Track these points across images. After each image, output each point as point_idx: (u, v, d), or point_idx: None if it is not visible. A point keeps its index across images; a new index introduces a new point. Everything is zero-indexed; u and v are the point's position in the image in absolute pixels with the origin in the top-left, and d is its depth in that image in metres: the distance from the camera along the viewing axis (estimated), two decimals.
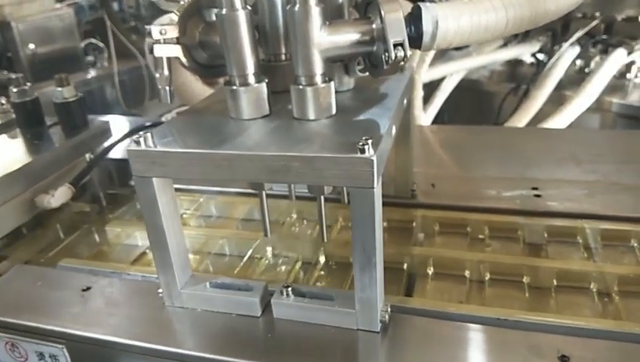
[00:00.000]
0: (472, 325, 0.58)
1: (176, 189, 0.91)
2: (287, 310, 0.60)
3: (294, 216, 0.87)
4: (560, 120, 1.61)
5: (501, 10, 0.59)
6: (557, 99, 1.78)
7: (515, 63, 2.11)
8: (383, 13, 0.55)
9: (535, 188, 0.83)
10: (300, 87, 0.58)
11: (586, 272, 0.66)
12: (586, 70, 1.88)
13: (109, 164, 1.01)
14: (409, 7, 0.61)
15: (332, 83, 0.59)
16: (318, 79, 0.58)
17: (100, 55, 2.65)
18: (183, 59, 0.64)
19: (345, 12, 0.65)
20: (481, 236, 0.77)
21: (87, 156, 0.95)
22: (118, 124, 1.18)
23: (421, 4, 0.58)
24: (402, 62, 0.56)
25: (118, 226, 0.87)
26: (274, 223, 0.86)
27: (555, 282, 0.67)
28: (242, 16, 0.57)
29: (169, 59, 0.64)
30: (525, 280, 0.68)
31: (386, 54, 0.56)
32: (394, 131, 0.60)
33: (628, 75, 1.85)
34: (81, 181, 0.90)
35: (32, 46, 2.31)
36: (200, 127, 0.61)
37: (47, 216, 0.90)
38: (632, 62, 1.81)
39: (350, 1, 0.64)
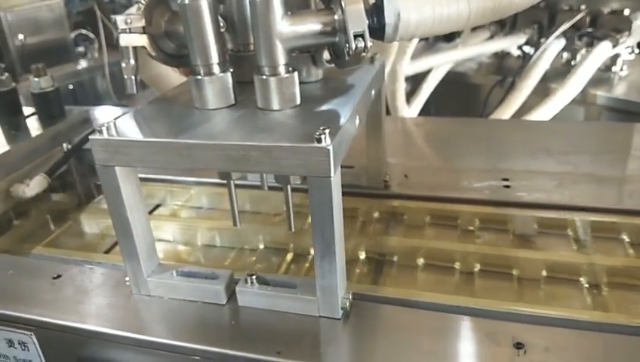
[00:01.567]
0: (432, 312, 0.59)
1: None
2: (251, 298, 0.61)
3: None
4: (544, 112, 1.62)
5: (463, 2, 0.60)
6: (542, 92, 1.78)
7: (502, 56, 2.11)
8: (343, 4, 0.55)
9: (506, 179, 0.83)
10: (264, 77, 0.59)
11: (548, 261, 0.67)
12: (573, 63, 1.88)
13: (87, 153, 1.02)
14: None
15: (295, 73, 0.59)
16: (282, 69, 0.59)
17: (91, 46, 2.64)
18: (149, 49, 0.64)
19: (311, 2, 0.65)
20: (449, 226, 0.78)
21: (65, 146, 0.95)
22: (108, 114, 1.19)
23: None
24: (363, 53, 0.57)
25: (93, 215, 0.87)
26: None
27: (516, 272, 0.68)
28: (205, 6, 0.57)
29: (135, 48, 0.65)
30: (491, 268, 0.69)
31: (347, 45, 0.56)
32: (357, 121, 0.61)
33: (613, 68, 1.85)
34: (57, 171, 0.90)
35: (21, 36, 2.30)
36: (165, 116, 0.62)
37: (25, 205, 0.90)
38: (618, 55, 1.82)
39: None
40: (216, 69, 0.60)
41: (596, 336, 0.54)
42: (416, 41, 1.37)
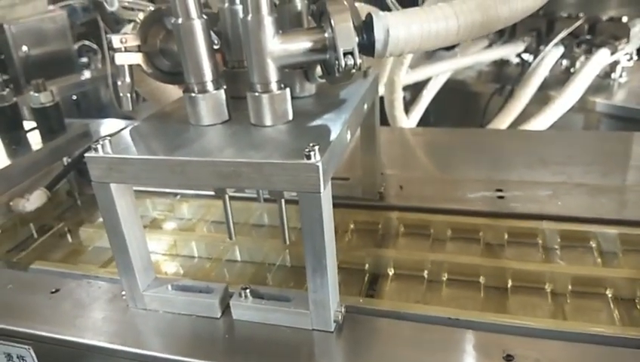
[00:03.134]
0: (424, 325, 0.60)
1: (150, 192, 0.94)
2: (245, 311, 0.62)
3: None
4: (542, 120, 1.63)
5: (452, 19, 0.61)
6: (542, 100, 1.79)
7: (501, 63, 2.12)
8: (333, 22, 0.56)
9: (499, 190, 0.84)
10: (256, 94, 0.60)
11: (541, 272, 0.68)
12: (572, 70, 1.88)
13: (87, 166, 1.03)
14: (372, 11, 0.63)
15: (287, 90, 0.60)
16: (274, 86, 0.60)
17: (94, 57, 2.66)
18: (145, 67, 0.66)
19: (304, 20, 0.67)
20: (442, 237, 0.78)
21: (65, 160, 0.97)
22: (108, 127, 1.21)
23: (373, 13, 0.59)
24: (353, 70, 0.58)
25: (91, 228, 0.88)
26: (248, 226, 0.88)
27: (510, 282, 0.68)
28: (198, 26, 0.59)
29: (131, 66, 0.66)
30: (482, 280, 0.69)
31: (337, 62, 0.57)
32: (349, 136, 0.62)
33: (613, 75, 1.86)
34: (57, 185, 0.92)
35: (25, 48, 2.32)
36: (160, 133, 0.63)
37: (26, 218, 0.92)
38: (617, 62, 1.83)
39: (308, 10, 0.66)
40: (209, 86, 0.62)
41: (587, 348, 0.55)
42: None
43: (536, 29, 1.94)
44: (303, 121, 0.62)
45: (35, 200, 0.87)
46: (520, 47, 1.95)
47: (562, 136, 1.22)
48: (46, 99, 0.96)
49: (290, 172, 0.52)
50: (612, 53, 1.74)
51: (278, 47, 0.58)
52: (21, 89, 2.16)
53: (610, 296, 0.65)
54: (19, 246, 0.88)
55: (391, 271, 0.73)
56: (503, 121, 1.73)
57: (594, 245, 0.73)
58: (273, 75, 0.59)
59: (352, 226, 0.83)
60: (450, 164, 1.01)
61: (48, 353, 0.65)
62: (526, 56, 1.97)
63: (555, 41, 1.80)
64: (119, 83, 0.66)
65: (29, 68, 2.31)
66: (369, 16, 0.60)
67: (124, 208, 0.60)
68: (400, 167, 0.99)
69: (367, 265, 0.74)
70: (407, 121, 1.52)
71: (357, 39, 0.58)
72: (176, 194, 0.94)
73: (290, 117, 0.62)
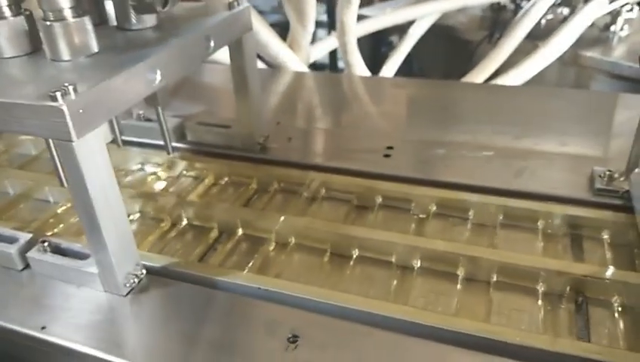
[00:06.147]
0: (229, 294, 0.54)
1: None
2: (42, 266, 0.57)
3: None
4: (520, 73, 1.48)
5: None
6: (531, 50, 1.64)
7: (498, 9, 1.95)
8: None
9: (390, 148, 0.75)
10: (48, 23, 0.52)
11: (391, 243, 0.59)
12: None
13: None
14: None
15: (87, 18, 0.52)
16: (68, 13, 0.52)
17: None
18: None
19: None
20: (315, 196, 0.70)
21: None
22: None
23: None
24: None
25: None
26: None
27: (356, 252, 0.61)
28: None
29: None
30: (328, 247, 0.61)
31: None
32: (157, 77, 0.53)
33: (612, 28, 1.69)
34: None
35: None
36: None
37: None
38: (618, 13, 1.65)
39: None
40: (6, 12, 0.54)
41: (383, 335, 0.47)
42: None
43: None
44: (109, 55, 0.54)
45: None
46: None
47: (515, 91, 1.11)
48: None
49: (39, 115, 0.44)
50: (611, 1, 1.56)
51: None
52: None
53: (460, 276, 0.57)
54: None
55: (239, 232, 0.66)
56: (483, 72, 1.59)
57: (471, 216, 0.65)
58: (65, 1, 0.51)
59: (226, 179, 0.76)
60: (360, 116, 0.92)
61: None
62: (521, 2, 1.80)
63: None
64: None
65: None
66: None
67: None
68: (303, 117, 0.90)
69: (216, 224, 0.67)
70: (364, 67, 1.39)
71: None
72: None
73: (94, 49, 0.54)
